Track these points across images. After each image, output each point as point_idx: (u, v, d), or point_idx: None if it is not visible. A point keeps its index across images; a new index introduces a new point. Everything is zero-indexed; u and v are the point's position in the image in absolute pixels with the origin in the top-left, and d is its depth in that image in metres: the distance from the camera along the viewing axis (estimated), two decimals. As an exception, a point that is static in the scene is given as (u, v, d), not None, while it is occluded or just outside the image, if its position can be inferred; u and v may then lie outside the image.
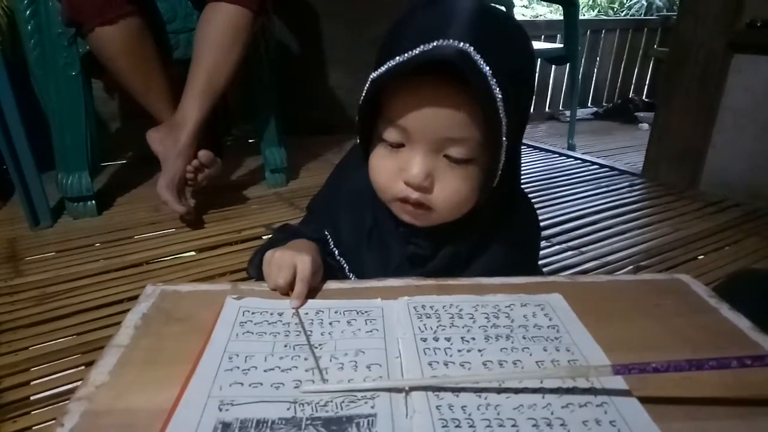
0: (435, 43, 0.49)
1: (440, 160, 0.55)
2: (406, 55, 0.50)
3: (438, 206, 0.57)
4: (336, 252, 0.67)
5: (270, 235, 0.72)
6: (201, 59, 1.46)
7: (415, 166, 0.54)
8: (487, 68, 0.49)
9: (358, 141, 0.60)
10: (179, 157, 1.43)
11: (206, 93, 1.46)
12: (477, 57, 0.48)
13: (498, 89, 0.49)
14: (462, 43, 0.48)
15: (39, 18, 1.42)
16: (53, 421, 0.38)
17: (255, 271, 0.58)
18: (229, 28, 1.45)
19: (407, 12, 0.55)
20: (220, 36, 1.45)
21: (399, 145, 0.56)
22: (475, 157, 0.55)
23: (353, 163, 0.67)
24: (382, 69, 0.52)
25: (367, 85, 0.54)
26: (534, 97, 0.58)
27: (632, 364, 0.40)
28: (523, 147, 2.50)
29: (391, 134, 0.55)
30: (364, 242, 0.66)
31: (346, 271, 0.67)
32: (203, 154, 1.48)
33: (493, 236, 0.64)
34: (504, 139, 0.52)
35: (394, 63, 0.51)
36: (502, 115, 0.51)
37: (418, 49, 0.49)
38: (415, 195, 0.56)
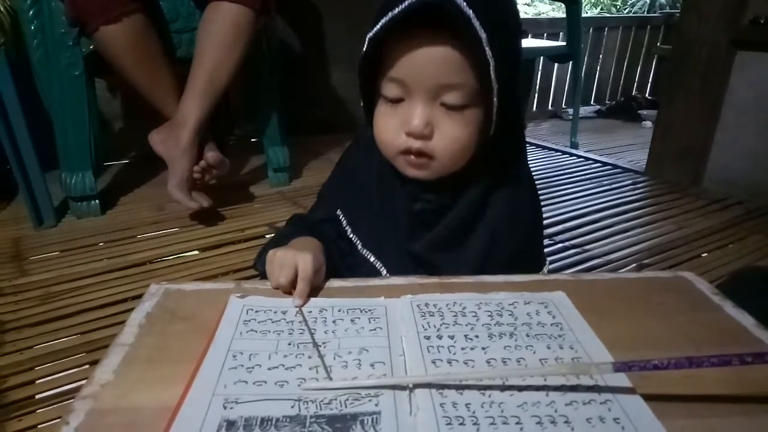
0: None
1: (438, 108, 0.58)
2: (396, 9, 0.54)
3: (439, 154, 0.59)
4: (348, 230, 0.70)
5: (274, 233, 0.73)
6: (202, 58, 1.46)
7: (415, 117, 0.57)
8: (470, 11, 0.52)
9: (361, 103, 0.63)
10: (184, 156, 1.43)
11: (207, 92, 1.46)
12: (460, 1, 0.52)
13: (482, 30, 0.53)
14: None
15: (42, 18, 1.42)
16: (58, 420, 0.38)
17: (263, 266, 0.59)
18: (231, 27, 1.45)
19: None
20: (221, 35, 1.45)
21: (399, 100, 0.59)
22: (470, 103, 0.58)
23: (356, 144, 0.72)
24: (377, 26, 0.56)
25: (365, 45, 0.57)
26: (521, 49, 0.62)
27: (633, 362, 0.40)
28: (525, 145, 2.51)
29: (390, 89, 0.59)
30: (374, 210, 0.68)
31: (359, 247, 0.69)
32: (212, 156, 1.49)
33: (498, 196, 0.65)
34: (494, 81, 0.55)
35: (386, 18, 0.55)
36: (489, 56, 0.54)
37: (407, 2, 0.53)
38: (417, 144, 0.59)
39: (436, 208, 0.65)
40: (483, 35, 0.53)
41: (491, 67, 0.54)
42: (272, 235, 0.74)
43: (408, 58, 0.56)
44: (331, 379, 0.43)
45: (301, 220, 0.73)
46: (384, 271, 0.68)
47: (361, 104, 0.63)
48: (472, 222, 0.65)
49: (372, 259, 0.68)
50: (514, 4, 0.63)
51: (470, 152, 0.61)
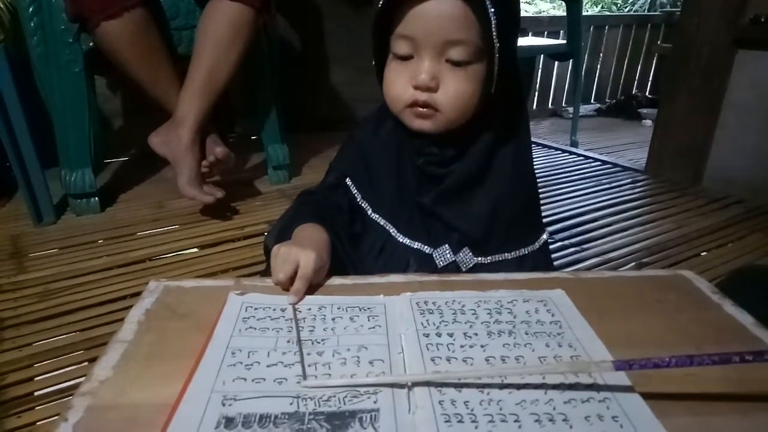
0: None
1: (444, 64, 0.62)
2: None
3: (443, 107, 0.64)
4: (358, 197, 0.73)
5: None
6: (201, 55, 1.46)
7: (422, 71, 0.62)
8: None
9: (374, 62, 0.68)
10: (188, 154, 1.43)
11: (206, 89, 1.45)
12: None
13: None
14: None
15: (42, 15, 1.42)
16: (57, 417, 0.38)
17: (272, 242, 0.62)
18: (231, 25, 1.45)
19: None
20: (221, 33, 1.45)
21: (408, 58, 0.63)
22: (473, 60, 0.62)
23: (365, 120, 0.76)
24: None
25: (379, 4, 0.62)
26: (519, 18, 0.68)
27: (633, 360, 0.40)
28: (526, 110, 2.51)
29: (400, 46, 0.63)
30: (383, 172, 0.72)
31: (370, 212, 0.72)
32: (220, 151, 1.49)
33: (502, 155, 0.70)
34: (495, 39, 0.60)
35: None
36: (491, 15, 0.59)
37: None
38: (423, 96, 0.63)
39: (440, 161, 0.68)
40: None
41: (493, 26, 0.59)
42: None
43: (417, 15, 0.60)
44: (306, 378, 0.43)
45: (311, 199, 0.74)
46: (393, 231, 0.71)
47: (373, 63, 0.68)
48: (478, 177, 0.69)
49: (382, 222, 0.72)
50: None
51: (472, 107, 0.65)
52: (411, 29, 0.61)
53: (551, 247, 1.47)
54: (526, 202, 0.73)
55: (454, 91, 0.63)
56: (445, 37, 0.61)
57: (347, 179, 0.74)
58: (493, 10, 0.58)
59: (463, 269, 0.70)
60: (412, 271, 0.68)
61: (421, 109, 0.64)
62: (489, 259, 0.70)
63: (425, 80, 0.62)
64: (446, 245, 0.70)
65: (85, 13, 1.35)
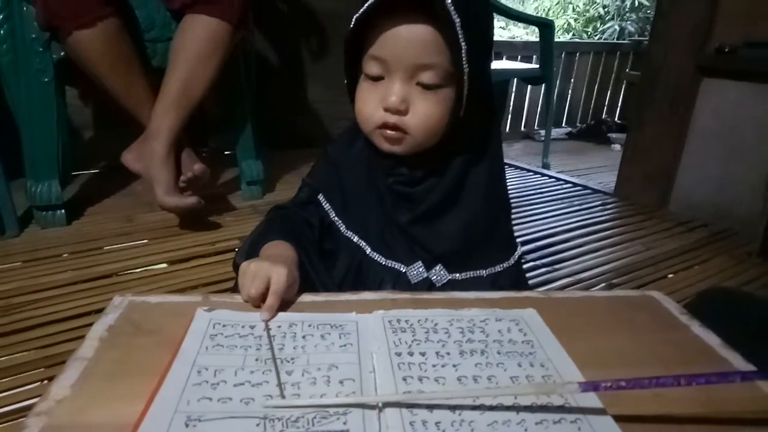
0: None
1: (414, 87, 0.63)
2: None
3: (412, 129, 0.64)
4: (332, 214, 0.73)
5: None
6: (176, 69, 1.44)
7: (392, 93, 0.62)
8: None
9: (345, 82, 0.68)
10: (163, 167, 1.41)
11: (180, 103, 1.44)
12: None
13: (456, 16, 0.58)
14: None
15: (12, 22, 1.39)
16: (10, 437, 0.36)
17: (242, 259, 0.60)
18: (207, 40, 1.44)
19: None
20: (196, 47, 1.44)
21: (379, 78, 0.63)
22: (443, 84, 0.62)
23: (339, 138, 0.76)
24: (363, 7, 0.60)
25: (351, 25, 0.62)
26: (492, 44, 0.69)
27: (598, 381, 0.40)
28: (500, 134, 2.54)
29: (372, 67, 0.63)
30: (356, 191, 0.72)
31: (343, 229, 0.72)
32: (198, 168, 1.46)
33: (474, 177, 0.70)
34: (465, 65, 0.60)
35: (372, 1, 0.59)
36: (461, 40, 0.59)
37: None
38: (393, 119, 0.63)
39: (409, 181, 0.69)
40: (457, 20, 0.58)
41: (463, 51, 0.59)
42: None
43: (389, 38, 0.61)
44: (284, 397, 0.42)
45: (281, 215, 0.73)
46: (368, 249, 0.71)
47: (345, 82, 0.68)
48: (451, 198, 0.69)
49: (355, 239, 0.71)
50: (488, 2, 0.69)
51: (441, 130, 0.65)
52: (382, 51, 0.62)
53: (524, 267, 1.49)
54: (499, 221, 0.74)
55: (423, 114, 0.63)
56: (416, 60, 0.61)
57: (319, 195, 0.74)
58: (463, 35, 0.59)
59: (437, 285, 0.70)
60: (387, 288, 0.68)
61: (390, 132, 0.64)
62: (463, 275, 0.70)
63: (395, 103, 0.62)
64: (419, 262, 0.70)
65: (57, 21, 1.33)
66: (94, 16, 1.32)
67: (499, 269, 0.72)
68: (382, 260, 0.70)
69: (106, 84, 1.44)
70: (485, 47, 0.66)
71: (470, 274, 0.71)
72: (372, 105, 0.64)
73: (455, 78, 0.62)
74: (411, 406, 0.41)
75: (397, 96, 0.62)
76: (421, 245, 0.70)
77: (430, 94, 0.63)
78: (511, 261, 0.73)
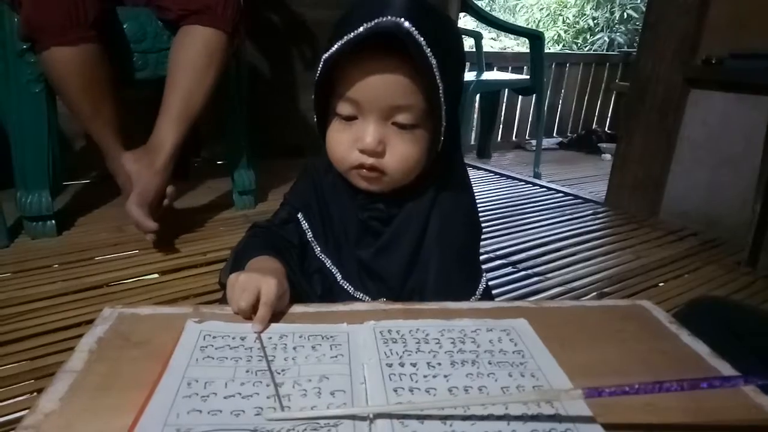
0: (376, 21, 0.56)
1: (389, 127, 0.61)
2: (351, 34, 0.57)
3: (390, 169, 0.63)
4: (309, 234, 0.72)
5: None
6: (176, 82, 1.45)
7: (368, 135, 0.60)
8: (422, 39, 0.56)
9: (315, 119, 0.66)
10: (155, 178, 1.40)
11: (182, 116, 1.44)
12: (412, 29, 0.56)
13: (433, 57, 0.56)
14: (399, 18, 0.56)
15: (2, 33, 1.39)
16: (-3, 452, 0.36)
17: (227, 276, 0.59)
18: (204, 50, 1.45)
19: (353, 3, 0.61)
20: (195, 58, 1.44)
21: (352, 118, 0.62)
22: (419, 123, 0.62)
23: (319, 159, 0.73)
24: (333, 48, 0.58)
25: (320, 65, 0.60)
26: (464, 70, 0.69)
27: (602, 387, 0.40)
28: (490, 174, 2.57)
29: (344, 108, 0.61)
30: (331, 218, 0.71)
31: (317, 252, 0.71)
32: (170, 190, 1.46)
33: (438, 210, 0.68)
34: (443, 103, 0.59)
35: (342, 42, 0.57)
36: (438, 80, 0.58)
37: (362, 27, 0.56)
38: (369, 161, 0.62)
39: (384, 218, 0.68)
40: (434, 62, 0.57)
41: (440, 91, 0.59)
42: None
43: (362, 80, 0.59)
44: (283, 409, 0.41)
45: (262, 232, 0.73)
46: (339, 276, 0.70)
47: (315, 120, 0.66)
48: (418, 233, 0.68)
49: (328, 263, 0.70)
50: (460, 36, 0.68)
51: (419, 168, 0.65)
52: (356, 93, 0.60)
53: (515, 276, 1.50)
54: (466, 254, 0.72)
55: (400, 154, 0.62)
56: (391, 102, 0.60)
57: (299, 214, 0.73)
58: (440, 76, 0.57)
59: None
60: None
61: (366, 172, 0.63)
62: None
63: (371, 145, 0.60)
64: (383, 298, 0.69)
65: (38, 33, 1.31)
66: (76, 36, 1.30)
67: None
68: (351, 289, 0.70)
69: (71, 105, 1.41)
70: (459, 82, 0.66)
71: None
72: (346, 146, 0.63)
73: (430, 115, 0.61)
74: (402, 417, 0.41)
75: (372, 138, 0.60)
76: (383, 280, 0.68)
77: (406, 133, 0.61)
78: (477, 295, 0.70)
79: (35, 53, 1.37)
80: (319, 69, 0.61)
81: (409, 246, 0.68)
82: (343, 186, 0.69)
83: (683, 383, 0.40)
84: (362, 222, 0.69)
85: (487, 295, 0.72)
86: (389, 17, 0.56)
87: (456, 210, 0.70)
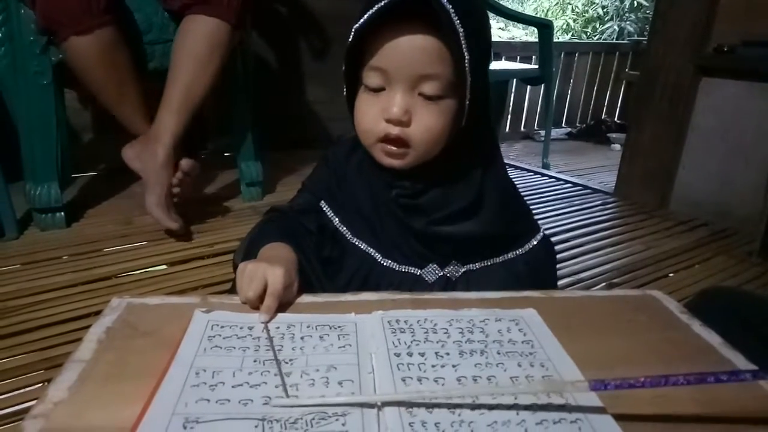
0: None
1: (416, 98, 0.62)
2: (382, 2, 0.57)
3: (415, 141, 0.63)
4: (336, 220, 0.72)
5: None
6: (178, 71, 1.44)
7: (395, 104, 0.61)
8: (450, 7, 0.57)
9: (345, 92, 0.66)
10: (161, 171, 1.41)
11: (183, 106, 1.44)
12: None
13: (460, 26, 0.57)
14: None
15: (10, 25, 1.39)
16: (7, 440, 0.36)
17: (240, 259, 0.60)
18: (207, 40, 1.44)
19: None
20: (197, 48, 1.44)
21: (380, 90, 0.62)
22: (445, 94, 0.62)
23: (339, 142, 0.75)
24: (364, 17, 0.59)
25: (350, 36, 0.61)
26: (491, 53, 0.68)
27: (607, 380, 0.40)
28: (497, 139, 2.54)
29: (372, 78, 0.62)
30: (359, 200, 0.70)
31: (349, 237, 0.71)
32: (185, 163, 1.47)
33: (477, 180, 0.69)
34: (468, 74, 0.59)
35: (372, 10, 0.58)
36: (464, 50, 0.58)
37: None
38: (395, 131, 0.62)
39: (412, 194, 0.68)
40: (461, 30, 0.57)
41: (466, 61, 0.59)
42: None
43: (391, 48, 0.60)
44: (288, 397, 0.41)
45: (280, 216, 0.73)
46: (379, 257, 0.70)
47: (344, 93, 0.67)
48: (464, 207, 0.68)
49: (363, 246, 0.70)
50: (487, 13, 0.68)
51: (443, 141, 0.64)
52: (383, 62, 0.60)
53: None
54: (516, 218, 0.74)
55: (426, 125, 0.62)
56: (418, 71, 0.60)
57: (321, 202, 0.73)
58: (466, 45, 0.58)
59: (453, 280, 0.69)
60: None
61: (391, 147, 0.63)
62: (477, 265, 0.70)
63: (398, 114, 0.61)
64: (433, 263, 0.69)
65: (55, 26, 1.33)
66: (91, 24, 1.32)
67: (512, 255, 0.71)
68: (396, 266, 0.69)
69: (98, 92, 1.43)
70: (486, 56, 0.65)
71: (485, 263, 0.70)
72: (373, 117, 0.63)
73: (457, 88, 0.62)
74: (411, 406, 0.41)
75: (399, 107, 0.61)
76: (438, 249, 0.69)
77: (432, 104, 0.62)
78: (527, 247, 0.72)
79: (56, 46, 1.38)
80: (349, 40, 0.61)
81: (457, 217, 0.68)
82: (369, 166, 0.69)
83: (690, 377, 0.39)
84: (392, 200, 0.68)
85: (543, 251, 0.73)
86: None
87: (495, 180, 0.71)
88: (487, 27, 0.66)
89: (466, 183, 0.68)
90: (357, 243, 0.71)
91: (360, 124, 0.65)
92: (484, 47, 0.64)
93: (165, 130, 1.42)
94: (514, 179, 0.77)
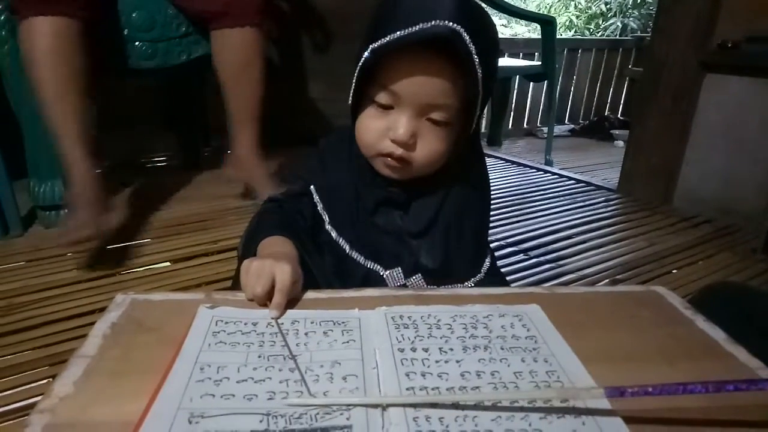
0: (432, 23, 0.58)
1: (423, 122, 0.63)
2: (406, 30, 0.58)
3: (417, 162, 0.65)
4: (319, 206, 0.73)
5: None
6: (229, 91, 1.53)
7: (402, 127, 0.62)
8: (473, 47, 0.58)
9: (350, 102, 0.67)
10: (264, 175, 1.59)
11: (247, 119, 1.57)
12: (466, 37, 0.58)
13: (479, 69, 0.59)
14: (455, 24, 0.57)
15: (13, 23, 1.39)
16: (13, 435, 0.36)
17: (241, 250, 0.62)
18: (246, 51, 1.50)
19: None
20: (237, 62, 1.51)
21: (388, 107, 0.63)
22: (451, 121, 0.64)
23: (333, 136, 0.76)
24: (384, 40, 0.59)
25: (366, 53, 0.61)
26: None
27: (624, 387, 0.39)
28: (501, 161, 2.55)
29: (383, 97, 0.63)
30: (341, 187, 0.72)
31: (326, 224, 0.72)
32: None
33: (458, 188, 0.71)
34: (478, 109, 0.63)
35: (395, 36, 0.59)
36: (480, 88, 0.61)
37: (417, 26, 0.58)
38: (399, 152, 0.64)
39: (394, 197, 0.70)
40: (479, 72, 0.59)
41: (479, 98, 0.62)
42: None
43: (406, 74, 0.60)
44: (310, 392, 0.41)
45: (276, 206, 0.73)
46: (347, 248, 0.71)
47: (350, 102, 0.68)
48: (442, 219, 0.70)
49: (334, 234, 0.71)
50: (496, 30, 0.68)
51: (443, 161, 0.67)
52: (397, 86, 0.61)
53: (526, 263, 1.49)
54: (479, 235, 0.75)
55: (430, 148, 0.64)
56: (430, 100, 0.61)
57: (311, 187, 0.74)
58: (483, 84, 0.60)
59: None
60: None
61: (393, 161, 0.65)
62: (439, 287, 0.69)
63: (404, 137, 0.62)
64: (398, 268, 0.69)
65: (19, 4, 1.26)
66: (58, 9, 1.24)
67: (472, 284, 0.71)
68: (361, 259, 0.70)
69: (37, 84, 1.29)
70: (492, 86, 0.67)
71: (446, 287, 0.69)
72: (378, 133, 0.64)
73: (464, 114, 0.64)
74: (415, 406, 0.41)
75: (406, 130, 0.62)
76: (407, 253, 0.69)
77: (438, 130, 0.63)
78: (482, 273, 0.72)
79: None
80: (364, 57, 0.61)
81: (433, 226, 0.70)
82: (362, 162, 0.70)
83: (708, 385, 0.39)
84: (376, 197, 0.70)
85: (492, 270, 0.74)
86: (445, 21, 0.57)
87: (474, 194, 0.73)
88: (498, 51, 0.68)
89: (435, 196, 0.70)
90: (329, 230, 0.72)
91: (363, 137, 0.66)
92: (494, 76, 0.66)
93: (244, 146, 1.59)
94: (516, 176, 0.78)
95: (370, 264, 0.70)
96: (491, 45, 0.63)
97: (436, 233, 0.70)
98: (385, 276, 0.69)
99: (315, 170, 0.75)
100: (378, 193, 0.70)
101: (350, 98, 0.67)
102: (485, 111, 0.71)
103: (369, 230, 0.70)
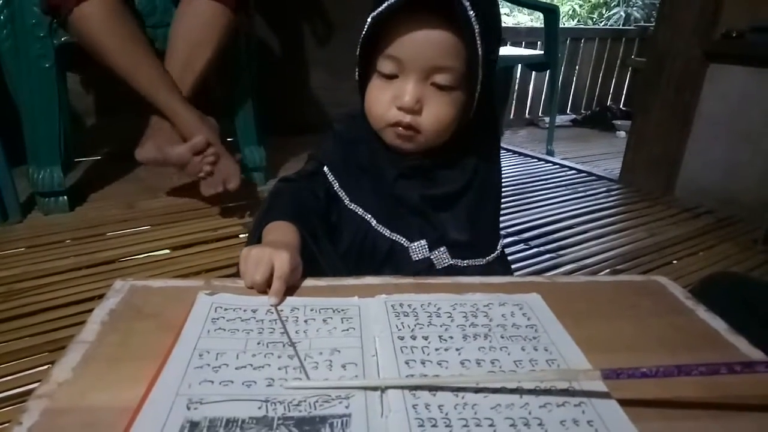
0: None
1: (428, 87, 0.64)
2: None
3: (425, 128, 0.65)
4: (336, 184, 0.73)
5: (248, 233, 0.73)
6: (174, 54, 1.44)
7: (407, 93, 0.63)
8: (468, 3, 0.59)
9: (357, 77, 0.68)
10: (174, 146, 1.43)
11: (175, 89, 1.43)
12: None
13: (476, 23, 0.59)
14: None
15: (12, 8, 1.38)
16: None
17: (250, 236, 0.62)
18: (205, 24, 1.43)
19: None
20: (195, 31, 1.43)
21: (393, 77, 0.64)
22: (456, 86, 0.64)
23: (344, 116, 0.77)
24: (382, 7, 0.60)
25: (366, 24, 0.63)
26: (500, 47, 0.70)
27: (621, 369, 0.40)
28: (502, 151, 2.54)
29: (386, 66, 0.64)
30: (360, 163, 0.72)
31: (347, 202, 0.72)
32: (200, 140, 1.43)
33: (478, 169, 0.72)
34: (480, 69, 0.62)
35: (391, 1, 0.60)
36: (479, 46, 0.60)
37: None
38: (407, 118, 0.64)
39: (414, 168, 0.70)
40: (476, 27, 0.59)
41: (479, 57, 0.61)
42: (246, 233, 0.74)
43: (406, 39, 0.61)
44: (309, 378, 0.41)
45: (288, 187, 0.73)
46: (373, 222, 0.71)
47: (356, 78, 0.68)
48: (463, 191, 0.71)
49: (360, 211, 0.72)
50: (499, 10, 0.69)
51: (451, 130, 0.67)
52: (399, 51, 0.62)
53: (528, 253, 1.49)
54: (496, 213, 0.76)
55: (436, 114, 0.64)
56: (432, 63, 0.62)
57: (325, 167, 0.74)
58: (481, 41, 0.60)
59: (437, 267, 0.70)
60: (391, 263, 0.69)
61: (402, 130, 0.65)
62: (465, 263, 0.71)
63: (410, 103, 0.63)
64: (423, 240, 0.70)
65: (57, 1, 1.30)
66: None
67: (491, 258, 0.72)
68: (387, 233, 0.71)
69: (113, 64, 1.37)
70: (496, 53, 0.67)
71: (470, 262, 0.71)
72: (384, 103, 0.65)
73: (467, 80, 0.64)
74: (414, 388, 0.41)
75: (411, 96, 0.63)
76: (432, 226, 0.70)
77: (443, 94, 0.64)
78: (499, 249, 0.74)
79: (61, 25, 1.36)
80: (366, 28, 0.63)
81: (455, 199, 0.71)
82: (375, 141, 0.71)
83: (702, 368, 0.39)
84: (398, 173, 0.70)
85: (504, 252, 0.75)
86: None
87: (493, 173, 0.74)
88: (500, 22, 0.68)
89: (461, 170, 0.71)
90: (354, 208, 0.72)
91: (372, 109, 0.67)
92: (496, 42, 0.66)
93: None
94: (518, 166, 0.79)
95: (396, 236, 0.70)
96: (489, 4, 0.63)
97: (462, 207, 0.71)
98: (410, 248, 0.70)
99: (331, 150, 0.75)
100: (399, 165, 0.70)
101: (356, 73, 0.68)
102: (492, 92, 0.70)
103: (392, 204, 0.71)
